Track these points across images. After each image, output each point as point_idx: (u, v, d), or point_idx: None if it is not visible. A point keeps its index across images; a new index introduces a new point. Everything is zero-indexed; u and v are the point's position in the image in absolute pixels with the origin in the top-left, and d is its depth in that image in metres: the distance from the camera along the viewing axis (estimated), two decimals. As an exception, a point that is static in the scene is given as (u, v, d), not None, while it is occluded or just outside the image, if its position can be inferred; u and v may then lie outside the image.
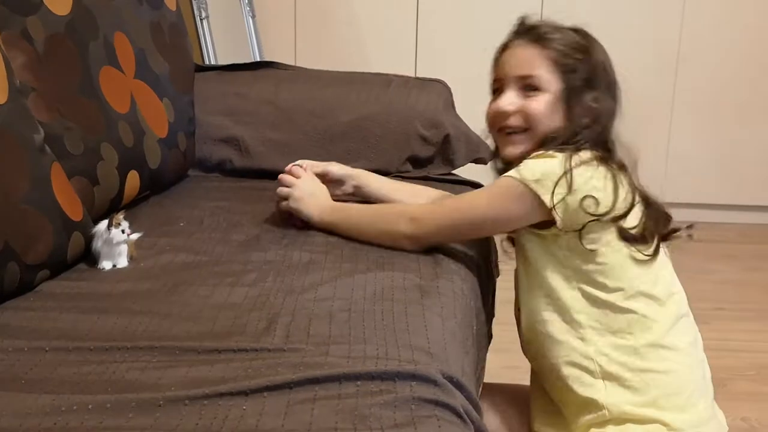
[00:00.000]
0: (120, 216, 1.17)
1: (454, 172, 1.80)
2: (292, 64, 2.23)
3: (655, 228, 1.16)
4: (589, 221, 1.11)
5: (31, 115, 1.16)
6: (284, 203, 1.34)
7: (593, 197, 1.10)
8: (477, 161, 1.84)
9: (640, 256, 1.14)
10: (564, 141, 1.15)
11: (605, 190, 1.11)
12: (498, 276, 1.49)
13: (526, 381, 1.34)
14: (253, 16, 2.81)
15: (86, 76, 1.33)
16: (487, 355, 1.36)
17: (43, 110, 1.21)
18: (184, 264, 1.17)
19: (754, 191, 3.10)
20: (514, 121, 1.21)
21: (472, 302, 1.17)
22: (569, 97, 1.18)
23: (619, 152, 1.18)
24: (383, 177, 1.48)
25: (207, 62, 2.52)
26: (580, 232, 1.12)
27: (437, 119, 1.80)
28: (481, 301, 1.26)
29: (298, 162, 1.41)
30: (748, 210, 3.11)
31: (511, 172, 1.15)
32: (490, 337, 1.44)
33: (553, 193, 1.10)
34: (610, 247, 1.13)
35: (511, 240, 1.31)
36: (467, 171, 1.83)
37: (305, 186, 1.34)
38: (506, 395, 1.34)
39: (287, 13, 3.06)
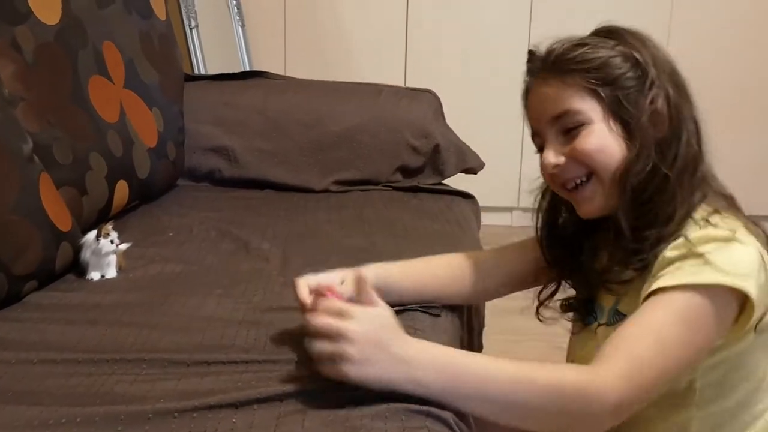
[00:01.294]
0: (109, 226, 1.16)
1: (444, 181, 1.80)
2: (282, 73, 2.23)
3: None
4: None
5: (20, 124, 1.16)
6: (331, 368, 0.78)
7: None
8: (467, 171, 1.84)
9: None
10: (641, 168, 0.91)
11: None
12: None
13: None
14: (243, 26, 2.81)
15: (75, 85, 1.33)
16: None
17: (32, 120, 1.21)
18: (174, 274, 1.17)
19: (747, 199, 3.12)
20: (573, 172, 0.94)
21: (464, 315, 1.17)
22: (616, 112, 0.92)
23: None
24: (405, 267, 1.08)
25: (196, 72, 2.52)
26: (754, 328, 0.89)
27: (427, 129, 1.81)
28: (472, 312, 1.26)
29: (321, 281, 0.93)
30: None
31: (695, 273, 0.85)
32: (480, 348, 1.43)
33: (758, 289, 0.85)
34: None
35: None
36: (457, 181, 1.83)
37: (366, 329, 0.78)
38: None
39: (277, 23, 3.06)
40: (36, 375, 0.85)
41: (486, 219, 1.88)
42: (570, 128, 0.94)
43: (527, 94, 0.99)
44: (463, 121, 2.07)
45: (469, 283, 1.10)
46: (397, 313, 0.85)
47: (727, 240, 0.86)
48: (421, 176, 1.78)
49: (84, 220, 1.29)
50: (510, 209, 3.16)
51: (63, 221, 1.17)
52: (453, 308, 1.10)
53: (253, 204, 1.61)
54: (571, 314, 1.07)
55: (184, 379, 0.83)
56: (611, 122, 0.92)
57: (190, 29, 2.53)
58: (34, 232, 1.10)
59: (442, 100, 1.97)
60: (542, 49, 0.97)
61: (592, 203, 0.95)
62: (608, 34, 0.96)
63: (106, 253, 1.15)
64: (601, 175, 0.93)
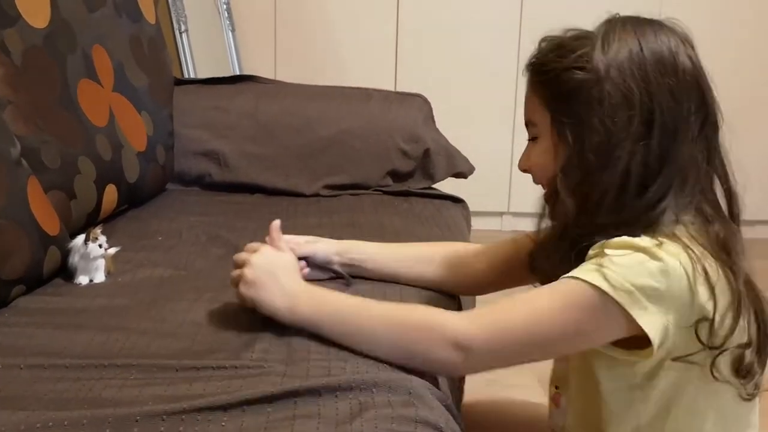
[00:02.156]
0: (97, 230, 1.16)
1: (434, 186, 1.80)
2: (272, 78, 2.23)
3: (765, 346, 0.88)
4: (695, 351, 0.85)
5: (8, 128, 1.15)
6: (239, 292, 0.97)
7: (708, 320, 0.84)
8: (457, 175, 1.84)
9: (741, 394, 0.89)
10: (568, 186, 0.89)
11: (723, 306, 0.84)
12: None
13: (506, 396, 1.34)
14: (233, 30, 2.80)
15: (64, 89, 1.32)
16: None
17: (20, 123, 1.20)
18: (163, 279, 1.16)
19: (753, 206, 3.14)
20: (535, 179, 0.97)
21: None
22: (558, 129, 0.91)
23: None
24: (382, 245, 1.16)
25: (186, 76, 2.51)
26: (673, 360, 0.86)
27: (417, 133, 1.81)
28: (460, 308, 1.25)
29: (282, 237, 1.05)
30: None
31: (589, 272, 0.84)
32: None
33: (654, 314, 0.82)
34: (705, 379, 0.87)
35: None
36: (447, 185, 1.83)
37: (262, 262, 0.96)
38: (487, 411, 1.33)
39: (267, 28, 3.06)
40: (23, 380, 0.84)
41: (476, 223, 1.88)
42: (533, 139, 0.96)
43: None
44: (454, 125, 2.08)
45: (454, 271, 1.12)
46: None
47: (640, 250, 0.83)
48: (411, 180, 1.78)
49: (72, 225, 1.28)
50: (500, 214, 3.16)
51: (51, 225, 1.17)
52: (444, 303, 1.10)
53: (243, 208, 1.61)
54: None
55: (172, 385, 0.82)
56: (554, 138, 0.92)
57: (180, 33, 2.53)
58: (22, 236, 1.09)
59: (432, 105, 1.97)
60: (540, 42, 0.96)
61: (552, 207, 0.96)
62: (597, 32, 0.91)
63: (94, 257, 1.14)
64: (547, 188, 0.95)
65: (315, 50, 3.07)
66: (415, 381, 0.83)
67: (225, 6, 2.78)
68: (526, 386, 1.17)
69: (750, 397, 0.91)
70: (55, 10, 1.33)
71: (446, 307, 1.06)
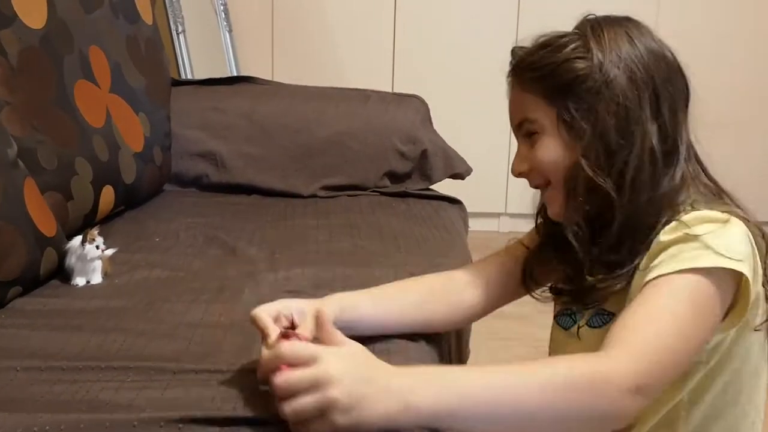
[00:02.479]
0: (94, 231, 1.15)
1: (431, 187, 1.80)
2: (269, 79, 2.23)
3: None
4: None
5: (4, 129, 1.15)
6: (320, 424, 0.66)
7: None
8: (454, 176, 1.84)
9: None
10: (584, 177, 0.90)
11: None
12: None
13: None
14: (230, 31, 2.80)
15: (61, 89, 1.32)
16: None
17: (17, 124, 1.20)
18: (160, 280, 1.16)
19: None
20: (534, 178, 0.96)
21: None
22: (566, 121, 0.91)
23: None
24: (373, 294, 0.98)
25: (183, 77, 2.51)
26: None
27: (415, 134, 1.81)
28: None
29: (282, 311, 0.86)
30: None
31: (699, 259, 0.83)
32: (467, 354, 1.43)
33: (753, 273, 0.85)
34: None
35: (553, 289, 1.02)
36: (445, 186, 1.83)
37: (346, 370, 0.67)
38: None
39: (264, 28, 3.06)
40: (20, 382, 0.84)
41: (473, 225, 1.88)
42: (532, 136, 0.95)
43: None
44: (451, 126, 2.08)
45: (452, 307, 1.03)
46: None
47: (722, 222, 0.86)
48: (408, 182, 1.78)
49: (69, 226, 1.28)
50: (497, 215, 3.16)
51: (48, 226, 1.16)
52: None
53: (241, 209, 1.60)
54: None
55: (170, 388, 0.82)
56: (562, 131, 0.92)
57: (177, 34, 2.52)
58: (18, 238, 1.09)
59: (429, 106, 1.97)
60: (521, 49, 0.96)
61: (553, 207, 0.96)
62: (582, 28, 0.94)
63: (91, 258, 1.14)
64: (556, 184, 0.94)
65: (312, 51, 3.06)
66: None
67: (222, 7, 2.78)
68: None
69: None
70: (51, 10, 1.32)
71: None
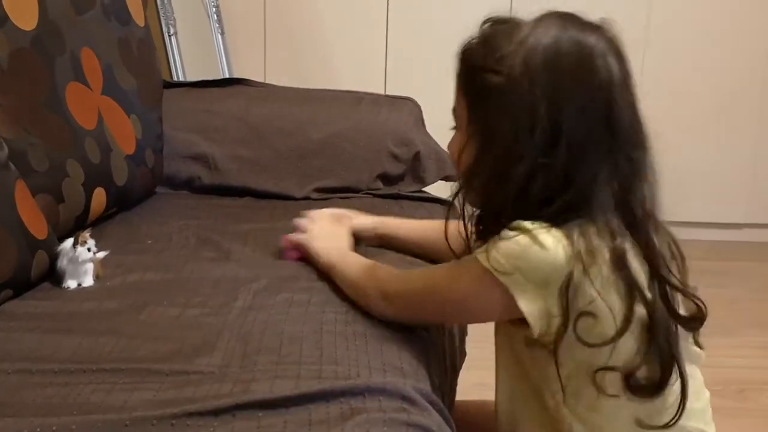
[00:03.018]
0: (86, 234, 1.15)
1: (424, 189, 1.80)
2: (262, 81, 2.22)
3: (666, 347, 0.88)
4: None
5: (-5, 131, 1.14)
6: (298, 236, 1.24)
7: (592, 315, 0.86)
8: (447, 179, 1.84)
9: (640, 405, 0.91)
10: (477, 181, 0.94)
11: (611, 306, 0.86)
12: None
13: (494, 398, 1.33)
14: (222, 33, 2.80)
15: (52, 91, 1.31)
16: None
17: (8, 126, 1.19)
18: (152, 283, 1.15)
19: (717, 209, 3.15)
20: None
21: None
22: (473, 123, 0.94)
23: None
24: (410, 222, 1.34)
25: (175, 79, 2.50)
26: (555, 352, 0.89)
27: (408, 137, 1.80)
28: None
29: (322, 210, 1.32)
30: (715, 227, 3.16)
31: (481, 252, 0.90)
32: (463, 354, 1.43)
33: (529, 296, 0.87)
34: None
35: None
36: (437, 188, 1.83)
37: (327, 226, 1.25)
38: (478, 413, 1.33)
39: (257, 30, 3.06)
40: (10, 385, 0.83)
41: (466, 226, 1.87)
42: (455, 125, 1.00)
43: None
44: (444, 128, 2.07)
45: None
46: None
47: (525, 231, 0.86)
48: (401, 184, 1.78)
49: (60, 228, 1.27)
50: (490, 217, 3.17)
51: (39, 229, 1.16)
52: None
53: (234, 211, 1.60)
54: None
55: (162, 389, 0.82)
56: (468, 129, 0.95)
57: (169, 36, 2.52)
58: (9, 240, 1.08)
59: (422, 108, 1.97)
60: (482, 26, 0.97)
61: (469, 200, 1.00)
62: (529, 24, 0.90)
63: (83, 261, 1.13)
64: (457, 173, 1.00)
65: (305, 53, 3.06)
66: (408, 385, 0.83)
67: (214, 9, 2.78)
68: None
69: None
70: (43, 12, 1.32)
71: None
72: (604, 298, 0.86)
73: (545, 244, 0.85)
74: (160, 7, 2.49)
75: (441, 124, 2.17)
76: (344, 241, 1.22)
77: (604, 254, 0.86)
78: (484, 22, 0.96)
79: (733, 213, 3.15)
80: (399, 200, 1.71)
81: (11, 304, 1.07)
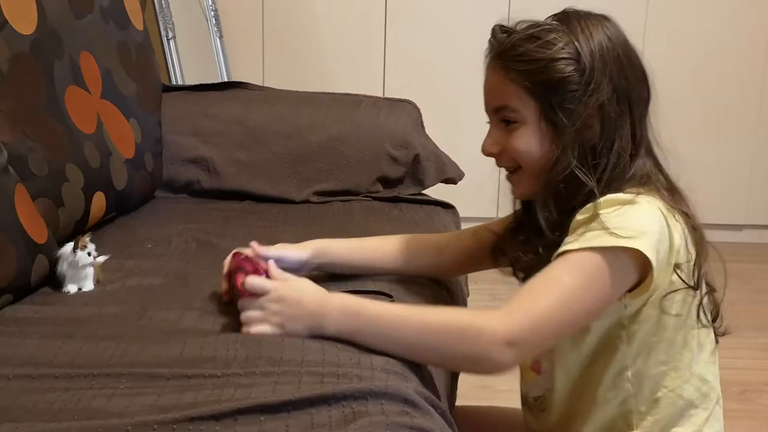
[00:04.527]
0: (86, 238, 1.15)
1: (424, 192, 1.80)
2: (261, 84, 2.22)
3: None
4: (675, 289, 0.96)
5: (-6, 135, 1.14)
6: (260, 328, 0.95)
7: (687, 262, 0.96)
8: (446, 181, 1.84)
9: (710, 337, 1.02)
10: (564, 171, 0.96)
11: (689, 251, 0.96)
12: (468, 296, 1.48)
13: (496, 402, 1.33)
14: (221, 37, 2.80)
15: (51, 95, 1.31)
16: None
17: (7, 130, 1.19)
18: (152, 287, 1.15)
19: (717, 210, 3.16)
20: (505, 161, 1.03)
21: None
22: (549, 116, 0.97)
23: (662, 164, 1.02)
24: (340, 241, 1.20)
25: (174, 82, 2.50)
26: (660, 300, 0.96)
27: (407, 139, 1.80)
28: (453, 293, 1.25)
29: (240, 250, 1.08)
30: (714, 228, 3.16)
31: (594, 238, 0.91)
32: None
33: (657, 250, 0.91)
34: (684, 319, 0.99)
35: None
36: (437, 191, 1.83)
37: (291, 293, 0.95)
38: (478, 417, 1.33)
39: (255, 34, 3.06)
40: (11, 391, 0.83)
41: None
42: (509, 122, 1.00)
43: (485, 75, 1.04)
44: (443, 131, 2.08)
45: (423, 257, 1.19)
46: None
47: (627, 202, 0.93)
48: (401, 186, 1.78)
49: (60, 233, 1.27)
50: (488, 219, 3.16)
51: (39, 233, 1.15)
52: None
53: (233, 215, 1.60)
54: None
55: (163, 394, 0.81)
56: (543, 124, 0.98)
57: (168, 40, 2.52)
58: (9, 245, 1.08)
59: (421, 111, 1.97)
60: (502, 32, 1.01)
61: (520, 188, 1.04)
62: (565, 22, 0.98)
63: (83, 265, 1.13)
64: (531, 171, 1.00)
65: (303, 57, 3.06)
66: (411, 388, 0.83)
67: (213, 12, 2.78)
68: (516, 392, 1.17)
69: (718, 337, 1.03)
70: (42, 16, 1.32)
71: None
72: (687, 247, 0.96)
73: (650, 207, 0.94)
74: (158, 11, 2.49)
75: (440, 127, 2.17)
76: (315, 293, 0.96)
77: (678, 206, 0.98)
78: (501, 28, 1.02)
79: (732, 214, 3.15)
80: (398, 203, 1.71)
81: (11, 309, 1.07)
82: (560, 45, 0.96)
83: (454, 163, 1.86)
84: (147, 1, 2.45)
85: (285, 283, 0.96)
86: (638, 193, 0.95)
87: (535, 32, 0.98)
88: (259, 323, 0.94)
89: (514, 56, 0.98)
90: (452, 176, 1.84)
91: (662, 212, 0.94)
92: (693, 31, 3.03)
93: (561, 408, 1.06)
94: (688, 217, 0.98)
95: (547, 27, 0.98)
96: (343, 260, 1.16)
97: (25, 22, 1.27)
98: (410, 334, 0.91)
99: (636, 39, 1.01)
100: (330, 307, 0.94)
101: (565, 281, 0.91)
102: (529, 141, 0.99)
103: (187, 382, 0.83)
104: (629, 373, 1.00)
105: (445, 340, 0.90)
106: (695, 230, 0.98)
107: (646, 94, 1.00)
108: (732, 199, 3.14)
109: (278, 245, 1.14)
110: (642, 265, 0.92)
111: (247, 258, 1.02)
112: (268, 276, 0.98)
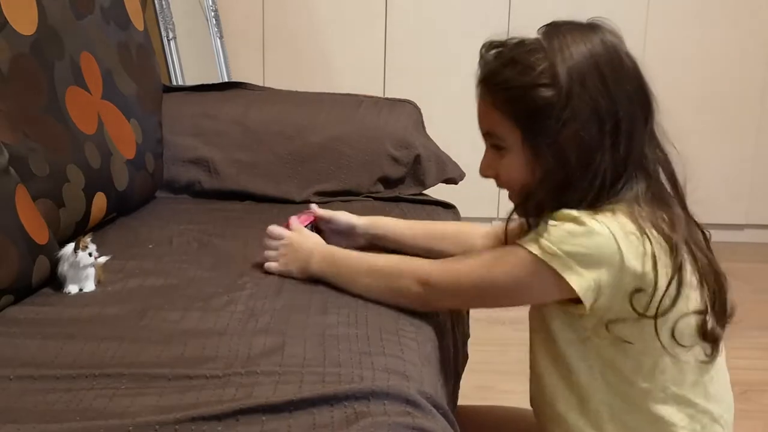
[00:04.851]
0: (87, 239, 1.15)
1: (425, 192, 1.80)
2: (261, 84, 2.22)
3: (719, 316, 0.98)
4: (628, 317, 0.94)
5: (-5, 136, 1.14)
6: (271, 265, 1.19)
7: (646, 290, 0.92)
8: (447, 181, 1.84)
9: (699, 358, 0.98)
10: (546, 196, 0.97)
11: (658, 277, 0.92)
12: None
13: (497, 402, 1.33)
14: (221, 37, 2.80)
15: (52, 96, 1.31)
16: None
17: (8, 131, 1.19)
18: (153, 288, 1.15)
19: (718, 210, 3.16)
20: (500, 183, 1.05)
21: (448, 323, 1.17)
22: (530, 142, 0.96)
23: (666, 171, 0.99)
24: (401, 222, 1.32)
25: (174, 83, 2.50)
26: (610, 323, 0.95)
27: (407, 140, 1.80)
28: (457, 321, 1.25)
29: (309, 208, 1.30)
30: (716, 228, 3.15)
31: (530, 241, 0.95)
32: (465, 357, 1.43)
33: (583, 275, 0.92)
34: (648, 343, 0.96)
35: None
36: (438, 191, 1.83)
37: (298, 240, 1.18)
38: (479, 417, 1.33)
39: (255, 34, 3.05)
40: (13, 392, 0.83)
41: (467, 229, 1.87)
42: (498, 148, 1.01)
43: None
44: (444, 131, 2.07)
45: (473, 243, 1.23)
46: None
47: (572, 220, 0.93)
48: (402, 187, 1.77)
49: (61, 233, 1.27)
50: (489, 219, 3.16)
51: (40, 234, 1.15)
52: (433, 318, 1.10)
53: (234, 216, 1.60)
54: None
55: (165, 394, 0.81)
56: (527, 150, 0.97)
57: (168, 40, 2.51)
58: (10, 246, 1.08)
59: (422, 111, 1.97)
60: (489, 53, 0.99)
61: (518, 210, 1.06)
62: (548, 39, 0.96)
63: (84, 266, 1.13)
64: (518, 194, 1.02)
65: (303, 57, 3.06)
66: (413, 389, 0.83)
67: (213, 13, 2.78)
68: (518, 392, 1.17)
69: (707, 360, 0.99)
70: (42, 16, 1.32)
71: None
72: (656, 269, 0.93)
73: (594, 228, 0.92)
74: (158, 11, 2.49)
75: (441, 127, 2.17)
76: (318, 245, 1.19)
77: (654, 227, 0.94)
78: (488, 48, 1.00)
79: (734, 214, 3.15)
80: (399, 203, 1.70)
81: (12, 310, 1.07)
82: (539, 69, 0.94)
83: (454, 163, 1.85)
84: (147, 1, 2.45)
85: (297, 234, 1.19)
86: (596, 213, 0.93)
87: (515, 55, 0.96)
88: (271, 261, 1.18)
89: (496, 83, 0.98)
90: (453, 176, 1.84)
91: (614, 237, 0.91)
92: (694, 30, 3.02)
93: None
94: (666, 238, 0.93)
95: (529, 47, 0.96)
96: (394, 234, 1.27)
97: (25, 23, 1.27)
98: (363, 273, 1.10)
99: (636, 39, 1.00)
100: (315, 253, 1.15)
101: (490, 259, 1.01)
102: (515, 167, 0.99)
103: (189, 383, 0.83)
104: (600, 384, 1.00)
105: (384, 278, 1.08)
106: (672, 252, 0.93)
107: (641, 109, 0.96)
108: (733, 199, 3.14)
109: (339, 211, 1.31)
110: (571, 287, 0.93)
111: (298, 216, 1.26)
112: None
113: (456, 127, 2.89)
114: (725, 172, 3.10)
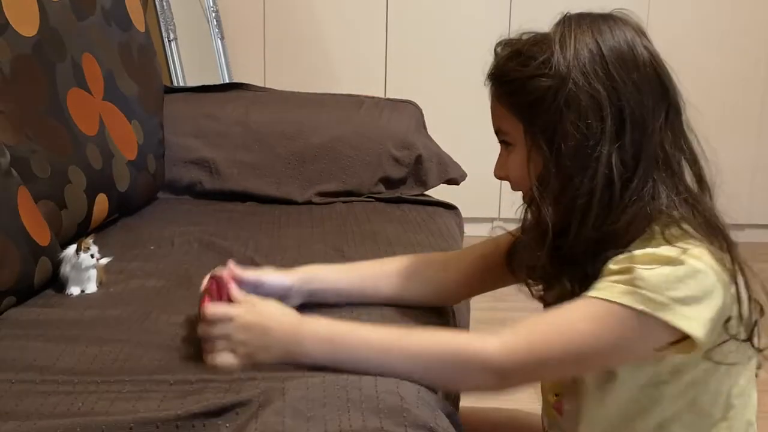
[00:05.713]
0: (89, 240, 1.15)
1: (426, 192, 1.80)
2: (262, 85, 2.22)
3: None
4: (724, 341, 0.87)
5: (-3, 138, 1.14)
6: (227, 358, 0.88)
7: (737, 314, 0.87)
8: (449, 182, 1.84)
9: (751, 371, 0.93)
10: (551, 190, 0.89)
11: (741, 301, 0.87)
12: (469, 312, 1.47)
13: (501, 402, 1.33)
14: (222, 38, 2.79)
15: (53, 97, 1.31)
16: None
17: (9, 133, 1.19)
18: (155, 289, 1.15)
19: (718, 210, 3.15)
20: (514, 187, 0.97)
21: (450, 324, 1.16)
22: (532, 136, 0.90)
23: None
24: (334, 268, 1.09)
25: (175, 84, 2.50)
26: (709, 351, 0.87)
27: (409, 140, 1.80)
28: (459, 323, 1.25)
29: (216, 271, 0.97)
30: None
31: (621, 294, 0.83)
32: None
33: (697, 319, 0.83)
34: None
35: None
36: (439, 191, 1.83)
37: (259, 318, 0.89)
38: (481, 420, 1.33)
39: (256, 35, 3.05)
40: (14, 394, 0.83)
41: (468, 230, 1.87)
42: (507, 145, 0.95)
43: None
44: (445, 132, 2.07)
45: (426, 276, 1.08)
46: None
47: (669, 262, 0.83)
48: (403, 187, 1.78)
49: (63, 234, 1.27)
50: (491, 220, 3.16)
51: (41, 235, 1.15)
52: (436, 316, 1.09)
53: (235, 216, 1.60)
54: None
55: (166, 399, 0.81)
56: (527, 143, 0.91)
57: (169, 41, 2.51)
58: (12, 247, 1.08)
59: (423, 111, 1.96)
60: (499, 51, 0.95)
61: (531, 216, 0.96)
62: (554, 33, 0.90)
63: (86, 267, 1.13)
64: (532, 197, 0.93)
65: (305, 58, 3.06)
66: (412, 389, 0.82)
67: (214, 14, 2.78)
68: (521, 394, 1.16)
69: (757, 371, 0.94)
70: (43, 18, 1.32)
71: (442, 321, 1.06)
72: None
73: (694, 266, 0.83)
74: (159, 12, 2.49)
75: (442, 127, 2.17)
76: (289, 317, 0.90)
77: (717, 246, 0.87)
78: (498, 45, 0.96)
79: (734, 214, 3.14)
80: (401, 204, 1.70)
81: (14, 312, 1.07)
82: (540, 59, 0.88)
83: (456, 164, 1.85)
84: (148, 2, 2.45)
85: (250, 309, 0.89)
86: (684, 249, 0.84)
87: (521, 47, 0.92)
88: (223, 353, 0.87)
89: (500, 77, 0.93)
90: (455, 177, 1.84)
91: (713, 270, 0.84)
92: (695, 30, 3.02)
93: None
94: (732, 257, 0.87)
95: (536, 40, 0.91)
96: (334, 287, 1.05)
97: (27, 24, 1.27)
98: (395, 359, 0.85)
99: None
100: (303, 334, 0.87)
101: (579, 328, 0.84)
102: (518, 167, 0.93)
103: (191, 387, 0.83)
104: (675, 427, 0.92)
105: (435, 366, 0.86)
106: (741, 270, 0.88)
107: (655, 101, 0.89)
108: (734, 199, 3.13)
109: (264, 269, 1.03)
110: (679, 332, 0.83)
111: (217, 280, 0.93)
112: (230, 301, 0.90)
113: (457, 127, 2.90)
114: (726, 171, 3.09)
